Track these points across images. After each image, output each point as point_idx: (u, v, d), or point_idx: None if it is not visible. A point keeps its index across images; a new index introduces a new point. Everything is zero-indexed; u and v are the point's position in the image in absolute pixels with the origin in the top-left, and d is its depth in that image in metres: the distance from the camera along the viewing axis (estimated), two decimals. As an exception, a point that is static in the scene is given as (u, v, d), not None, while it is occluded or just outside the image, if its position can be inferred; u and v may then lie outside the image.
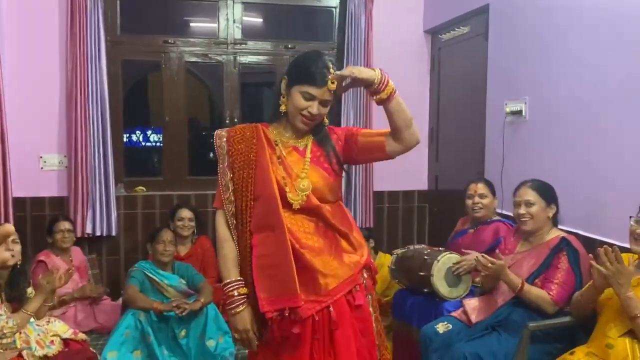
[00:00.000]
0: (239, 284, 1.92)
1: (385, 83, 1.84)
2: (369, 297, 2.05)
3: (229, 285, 1.93)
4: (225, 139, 1.99)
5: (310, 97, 1.89)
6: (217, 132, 2.02)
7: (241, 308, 1.91)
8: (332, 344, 1.92)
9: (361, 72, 1.83)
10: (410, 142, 1.93)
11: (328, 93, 1.89)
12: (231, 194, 1.95)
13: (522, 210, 2.69)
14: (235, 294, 1.91)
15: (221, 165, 1.98)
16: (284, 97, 1.96)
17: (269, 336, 1.91)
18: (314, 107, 1.89)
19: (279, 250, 1.88)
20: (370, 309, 2.05)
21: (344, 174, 2.10)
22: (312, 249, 1.92)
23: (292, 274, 1.85)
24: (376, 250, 3.98)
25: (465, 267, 2.97)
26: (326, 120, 2.01)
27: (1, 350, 2.49)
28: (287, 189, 1.92)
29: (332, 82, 1.87)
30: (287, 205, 1.92)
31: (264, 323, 1.91)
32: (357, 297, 1.98)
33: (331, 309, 1.92)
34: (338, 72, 1.87)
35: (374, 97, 1.87)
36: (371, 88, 1.84)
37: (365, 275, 2.05)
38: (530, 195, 2.70)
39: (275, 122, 2.03)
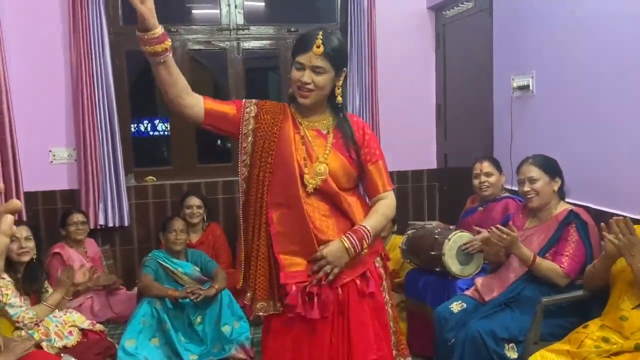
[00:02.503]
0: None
1: (360, 249, 1.94)
2: (384, 284, 2.08)
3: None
4: (254, 104, 2.01)
5: (301, 67, 1.91)
6: (246, 99, 2.03)
7: None
8: (347, 328, 1.95)
9: (338, 265, 1.92)
10: None
11: (316, 58, 1.89)
12: (249, 158, 1.97)
13: (527, 188, 2.68)
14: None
15: (244, 126, 1.97)
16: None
17: (287, 312, 1.93)
18: (305, 75, 1.90)
19: (300, 228, 1.92)
20: (386, 296, 2.08)
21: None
22: (324, 232, 1.94)
23: (315, 248, 1.92)
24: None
25: (476, 246, 2.98)
26: (339, 99, 2.00)
27: (18, 341, 2.54)
28: (306, 171, 1.94)
29: (318, 47, 1.87)
30: (303, 186, 1.94)
31: (282, 298, 1.93)
32: (368, 284, 2.00)
33: (339, 291, 1.95)
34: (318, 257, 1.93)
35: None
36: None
37: (376, 264, 2.07)
38: (532, 171, 2.68)
39: (292, 104, 2.05)
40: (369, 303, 2.00)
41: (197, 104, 1.93)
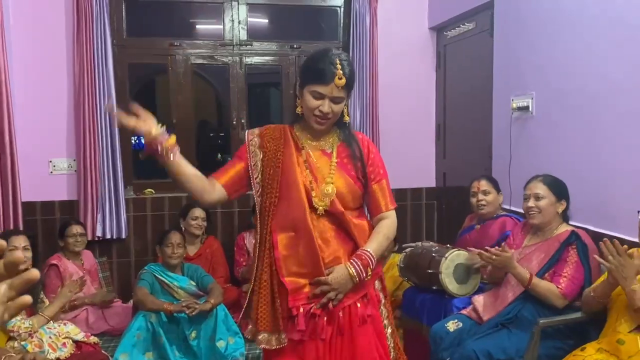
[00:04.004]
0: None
1: (365, 275, 1.92)
2: (383, 309, 2.06)
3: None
4: (257, 135, 2.01)
5: (319, 96, 1.89)
6: (249, 130, 2.05)
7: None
8: (352, 351, 1.93)
9: (343, 291, 1.91)
10: None
11: (337, 90, 1.88)
12: (260, 187, 1.96)
13: (531, 204, 2.69)
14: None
15: (252, 159, 1.98)
16: (299, 99, 1.98)
17: (294, 333, 1.89)
18: (325, 106, 1.89)
19: (307, 251, 1.90)
20: (385, 321, 2.05)
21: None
22: (330, 255, 1.93)
23: (322, 271, 1.90)
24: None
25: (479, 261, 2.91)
26: (347, 118, 2.02)
27: (13, 354, 2.52)
28: (314, 193, 1.93)
29: (340, 78, 1.86)
30: (312, 209, 1.93)
31: (288, 321, 1.91)
32: (367, 307, 1.99)
33: (340, 314, 1.93)
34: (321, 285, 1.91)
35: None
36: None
37: (377, 287, 2.07)
38: (540, 188, 2.69)
39: (297, 124, 2.04)
40: (372, 325, 1.99)
41: (219, 189, 1.96)
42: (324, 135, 2.02)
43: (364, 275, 1.92)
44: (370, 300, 2.00)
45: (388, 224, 2.05)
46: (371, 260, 1.94)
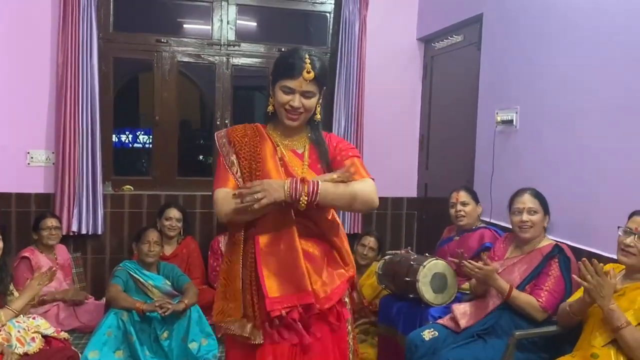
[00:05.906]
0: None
1: (297, 196, 1.78)
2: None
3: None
4: (226, 135, 1.97)
5: (290, 91, 1.89)
6: (217, 133, 2.00)
7: None
8: (310, 354, 1.90)
9: (268, 196, 1.75)
10: (365, 211, 2.13)
11: (306, 84, 1.87)
12: (240, 179, 1.90)
13: (525, 218, 2.70)
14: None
15: (226, 157, 1.93)
16: (271, 97, 1.97)
17: (272, 335, 1.86)
18: (295, 100, 1.89)
19: (289, 249, 1.87)
20: (348, 327, 2.03)
21: None
22: (307, 254, 1.90)
23: (303, 272, 1.85)
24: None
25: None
26: (318, 117, 2.00)
27: None
28: None
29: (308, 72, 1.86)
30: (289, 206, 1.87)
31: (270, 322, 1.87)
32: (343, 312, 1.97)
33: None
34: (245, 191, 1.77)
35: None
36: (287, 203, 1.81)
37: (347, 292, 2.03)
38: (533, 203, 2.72)
39: (269, 123, 2.02)
40: (332, 333, 1.95)
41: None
42: (296, 135, 2.00)
43: (296, 195, 1.78)
44: (342, 304, 1.98)
45: (361, 183, 1.92)
46: (312, 187, 1.78)
